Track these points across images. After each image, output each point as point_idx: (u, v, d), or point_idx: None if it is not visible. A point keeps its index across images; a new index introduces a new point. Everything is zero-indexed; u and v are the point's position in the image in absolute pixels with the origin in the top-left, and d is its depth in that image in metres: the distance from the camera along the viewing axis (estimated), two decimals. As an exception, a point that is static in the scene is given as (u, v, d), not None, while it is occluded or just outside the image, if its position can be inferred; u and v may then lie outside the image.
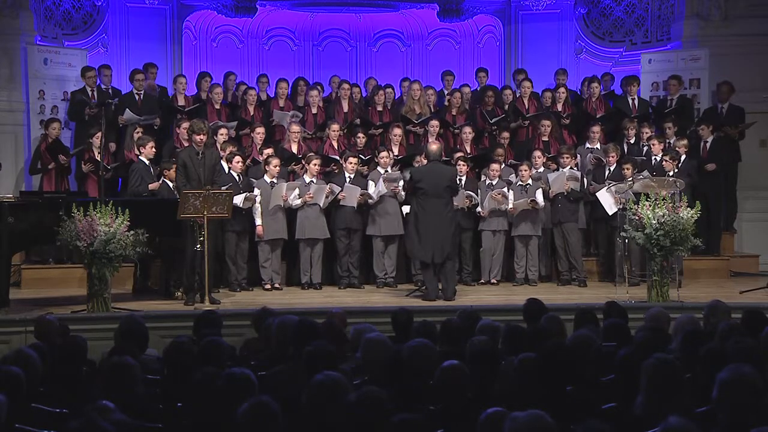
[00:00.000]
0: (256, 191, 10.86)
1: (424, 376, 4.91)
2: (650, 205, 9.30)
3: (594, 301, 9.10)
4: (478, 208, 11.31)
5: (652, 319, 6.69)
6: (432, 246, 9.97)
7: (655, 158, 11.42)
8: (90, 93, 12.20)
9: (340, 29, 15.13)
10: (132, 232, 8.79)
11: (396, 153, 11.62)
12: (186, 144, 10.56)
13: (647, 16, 14.19)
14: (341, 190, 10.96)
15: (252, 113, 12.51)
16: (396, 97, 13.30)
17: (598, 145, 12.03)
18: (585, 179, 11.48)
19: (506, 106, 12.96)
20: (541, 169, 11.54)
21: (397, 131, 11.85)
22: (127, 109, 11.90)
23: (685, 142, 11.66)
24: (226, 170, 10.72)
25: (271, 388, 4.50)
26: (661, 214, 9.23)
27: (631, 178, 10.48)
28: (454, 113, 12.72)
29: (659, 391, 4.38)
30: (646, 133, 11.98)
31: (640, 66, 13.55)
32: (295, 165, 11.49)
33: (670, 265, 9.54)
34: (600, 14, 14.50)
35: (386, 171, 11.13)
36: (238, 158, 10.85)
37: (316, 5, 14.62)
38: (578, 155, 11.87)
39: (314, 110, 12.55)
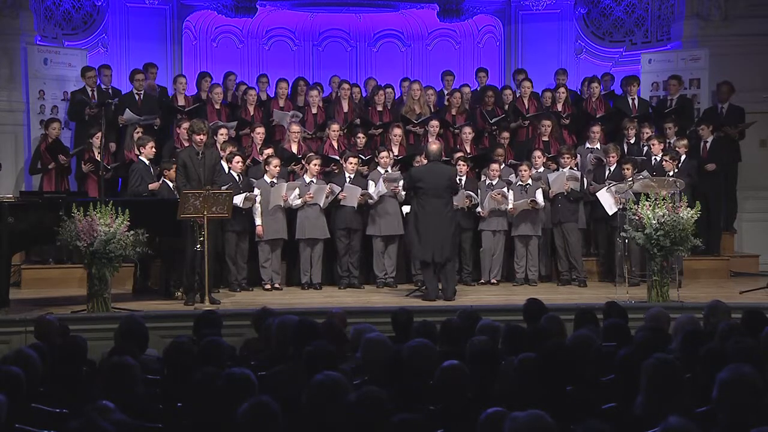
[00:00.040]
0: (256, 191, 10.85)
1: (424, 376, 4.90)
2: (650, 205, 9.30)
3: (594, 301, 9.10)
4: (478, 208, 11.31)
5: (652, 319, 6.69)
6: (432, 246, 9.97)
7: (655, 158, 11.42)
8: (90, 93, 12.20)
9: (340, 29, 15.12)
10: (132, 232, 8.79)
11: (396, 153, 11.62)
12: (186, 144, 10.56)
13: (647, 16, 14.18)
14: (341, 190, 10.96)
15: (252, 113, 12.50)
16: (396, 97, 13.29)
17: (598, 145, 12.03)
18: (585, 179, 11.47)
19: (506, 106, 12.95)
20: (541, 169, 11.54)
21: (397, 131, 11.84)
22: (127, 109, 11.90)
23: (685, 142, 11.65)
24: (226, 170, 10.71)
25: (271, 388, 4.49)
26: (661, 214, 9.23)
27: (631, 178, 10.47)
28: (454, 113, 12.71)
29: (659, 391, 4.38)
30: (646, 133, 11.98)
31: (640, 66, 13.54)
32: (295, 165, 11.48)
33: (670, 265, 9.54)
34: (600, 14, 14.50)
35: (386, 171, 11.13)
36: (238, 158, 10.84)
37: (316, 5, 14.61)
38: (578, 155, 11.86)
39: (314, 110, 12.55)
